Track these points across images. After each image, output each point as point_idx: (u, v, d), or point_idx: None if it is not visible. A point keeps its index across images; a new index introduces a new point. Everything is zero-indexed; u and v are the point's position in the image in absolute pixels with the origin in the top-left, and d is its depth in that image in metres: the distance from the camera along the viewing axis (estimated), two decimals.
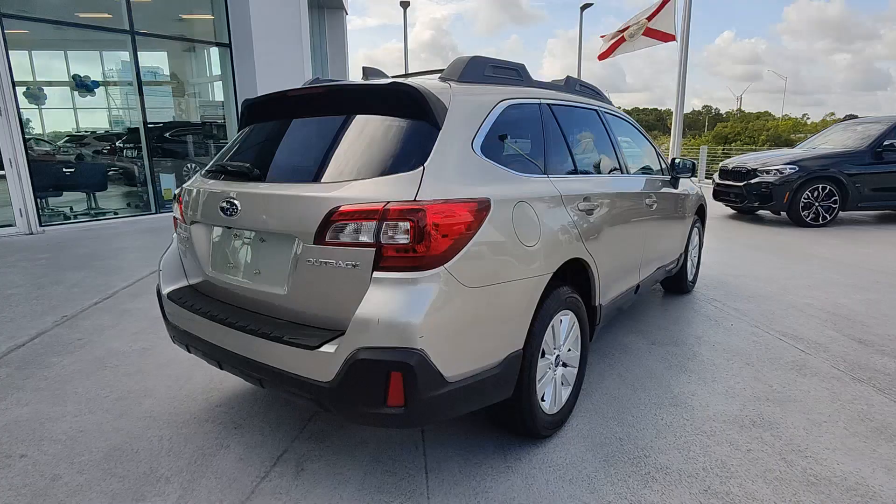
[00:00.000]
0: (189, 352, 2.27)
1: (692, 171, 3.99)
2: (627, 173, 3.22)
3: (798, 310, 4.15)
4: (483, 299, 1.78)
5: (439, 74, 2.24)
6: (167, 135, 9.70)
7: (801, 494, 1.97)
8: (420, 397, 1.64)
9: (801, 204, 7.65)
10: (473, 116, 2.01)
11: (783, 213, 8.34)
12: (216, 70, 10.44)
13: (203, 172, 2.39)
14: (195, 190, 2.26)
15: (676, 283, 4.40)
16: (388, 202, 1.67)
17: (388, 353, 1.61)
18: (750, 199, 8.02)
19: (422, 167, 1.76)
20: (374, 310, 1.63)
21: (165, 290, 2.34)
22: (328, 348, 1.71)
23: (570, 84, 3.01)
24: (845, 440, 2.34)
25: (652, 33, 16.58)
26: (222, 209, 2.04)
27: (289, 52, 9.92)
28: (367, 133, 1.95)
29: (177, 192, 2.46)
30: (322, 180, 1.86)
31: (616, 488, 2.00)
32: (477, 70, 2.23)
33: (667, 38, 16.48)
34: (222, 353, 2.02)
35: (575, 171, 2.57)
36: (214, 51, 10.22)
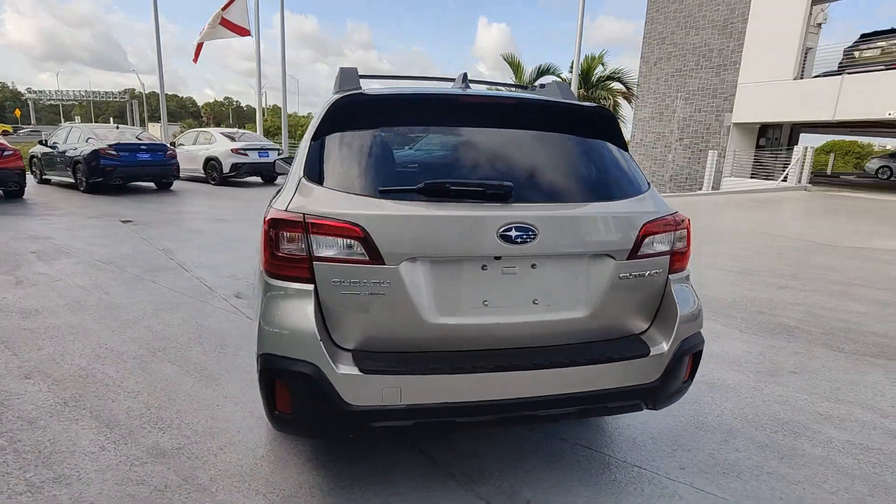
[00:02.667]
0: (414, 433, 2.17)
1: None
2: None
3: None
4: None
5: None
6: None
7: None
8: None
9: None
10: None
11: None
12: None
13: (380, 194, 1.78)
14: (414, 217, 1.75)
15: None
16: (672, 214, 2.00)
17: (699, 337, 2.03)
18: None
19: (648, 186, 2.09)
20: (688, 304, 1.99)
21: (344, 369, 1.68)
22: (657, 350, 1.90)
23: None
24: None
25: (227, 24, 19.17)
26: (505, 237, 1.74)
27: None
28: (592, 153, 2.08)
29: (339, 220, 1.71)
30: (609, 198, 1.96)
31: None
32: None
33: (242, 32, 19.44)
34: (500, 407, 1.78)
35: None
36: None
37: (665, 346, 1.94)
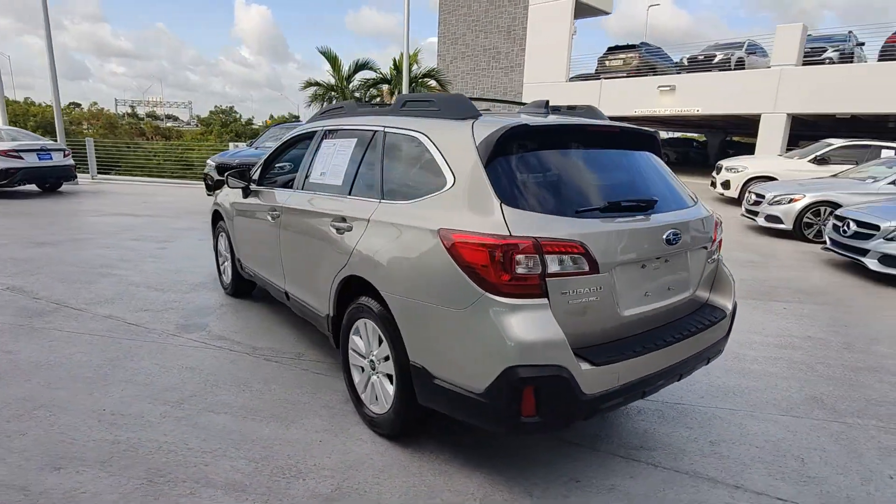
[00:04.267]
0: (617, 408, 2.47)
1: None
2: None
3: None
4: None
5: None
6: None
7: None
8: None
9: None
10: None
11: None
12: None
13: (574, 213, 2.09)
14: (618, 231, 2.14)
15: None
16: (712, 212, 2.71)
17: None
18: None
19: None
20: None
21: (584, 366, 1.96)
22: (727, 311, 2.58)
23: None
24: None
25: None
26: (667, 241, 2.24)
27: None
28: (662, 167, 2.68)
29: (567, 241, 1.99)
30: (693, 202, 2.61)
31: None
32: None
33: None
34: (666, 373, 2.24)
35: None
36: None
37: (729, 307, 2.64)
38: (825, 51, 15.76)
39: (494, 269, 1.93)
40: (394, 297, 2.31)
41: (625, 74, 19.54)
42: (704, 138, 32.37)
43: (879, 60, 14.75)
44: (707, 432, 2.75)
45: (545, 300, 1.95)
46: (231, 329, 3.97)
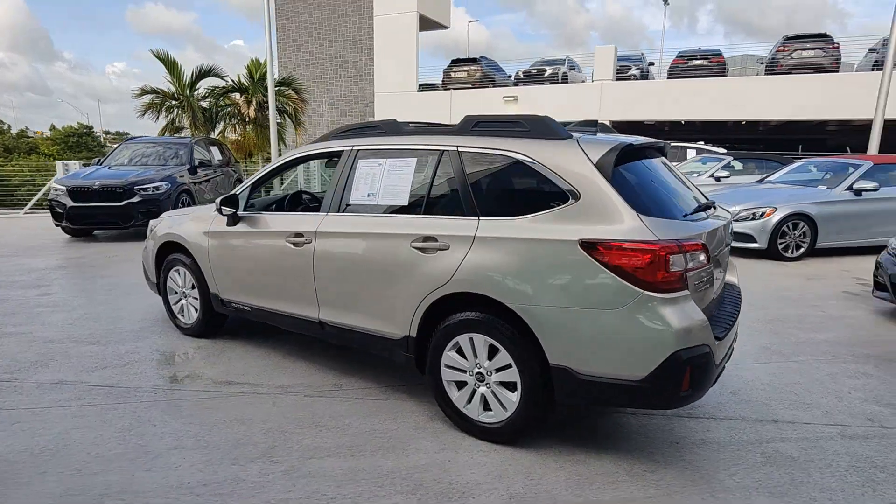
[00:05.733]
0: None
1: None
2: None
3: None
4: None
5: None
6: None
7: None
8: None
9: None
10: None
11: None
12: None
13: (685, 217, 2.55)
14: (712, 230, 2.59)
15: None
16: None
17: None
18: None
19: None
20: None
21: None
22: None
23: None
24: None
25: None
26: (729, 232, 3.05)
27: None
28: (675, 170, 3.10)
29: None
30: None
31: None
32: None
33: None
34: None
35: None
36: None
37: (737, 283, 3.32)
38: (630, 69, 19.03)
39: (652, 270, 2.23)
40: (529, 307, 2.45)
41: (470, 85, 21.04)
42: None
43: (668, 78, 18.34)
44: (723, 387, 3.39)
45: (687, 291, 2.31)
46: (235, 371, 3.56)
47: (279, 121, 16.25)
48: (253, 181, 3.79)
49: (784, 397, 3.26)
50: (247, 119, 15.11)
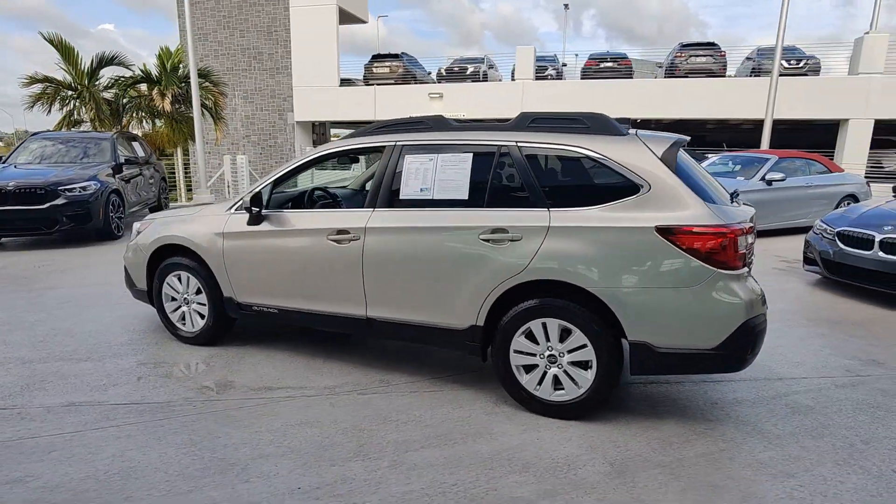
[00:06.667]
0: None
1: None
2: None
3: None
4: None
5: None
6: None
7: None
8: None
9: None
10: None
11: None
12: None
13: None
14: (752, 215, 2.94)
15: None
16: None
17: None
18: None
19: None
20: None
21: None
22: None
23: None
24: None
25: None
26: None
27: None
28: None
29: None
30: None
31: None
32: None
33: None
34: None
35: None
36: None
37: None
38: (547, 69, 20.05)
39: (724, 250, 2.53)
40: (608, 289, 2.65)
41: (392, 81, 20.95)
42: None
43: (582, 79, 19.59)
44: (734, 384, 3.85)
45: (747, 268, 2.65)
46: (269, 377, 3.42)
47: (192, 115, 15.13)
48: (275, 177, 3.63)
49: (776, 358, 3.78)
50: (160, 112, 13.86)
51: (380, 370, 3.52)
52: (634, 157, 2.75)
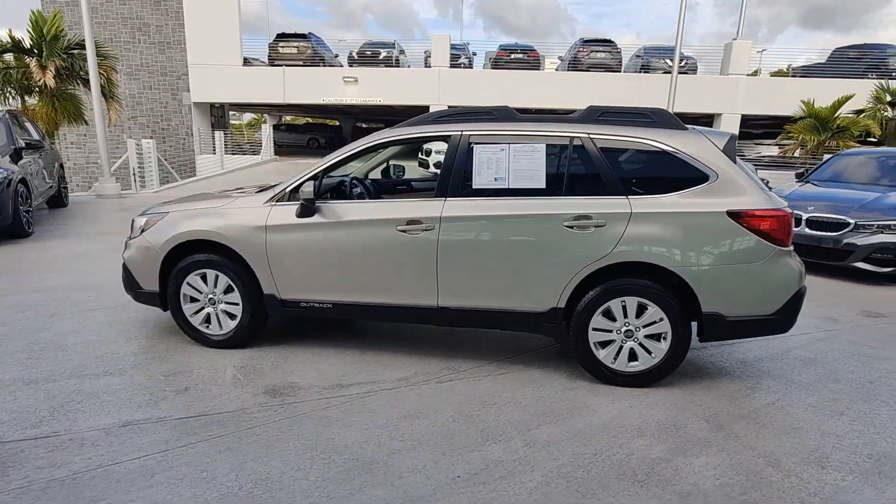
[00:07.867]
0: None
1: None
2: None
3: None
4: None
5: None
6: None
7: None
8: None
9: None
10: None
11: None
12: None
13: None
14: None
15: None
16: None
17: None
18: None
19: None
20: None
21: None
22: None
23: None
24: None
25: None
26: None
27: None
28: None
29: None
30: None
31: None
32: None
33: None
34: None
35: None
36: None
37: None
38: (460, 57, 20.38)
39: (783, 231, 2.95)
40: (688, 268, 2.97)
41: (301, 63, 19.97)
42: (338, 123, 35.84)
43: (492, 68, 20.23)
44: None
45: (792, 246, 3.11)
46: (331, 375, 3.30)
47: (79, 92, 13.25)
48: (326, 165, 3.45)
49: None
50: (40, 88, 11.87)
51: (439, 358, 3.55)
52: (702, 149, 3.07)
